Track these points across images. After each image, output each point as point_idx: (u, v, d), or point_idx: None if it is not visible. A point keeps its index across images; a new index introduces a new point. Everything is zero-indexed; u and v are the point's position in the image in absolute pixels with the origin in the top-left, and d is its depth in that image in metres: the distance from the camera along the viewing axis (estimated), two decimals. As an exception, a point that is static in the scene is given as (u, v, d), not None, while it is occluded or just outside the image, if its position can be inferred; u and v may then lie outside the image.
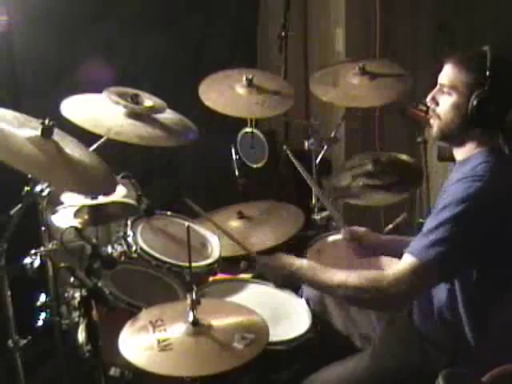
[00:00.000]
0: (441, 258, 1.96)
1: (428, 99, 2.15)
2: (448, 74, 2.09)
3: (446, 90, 2.09)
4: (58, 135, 2.07)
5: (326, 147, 3.16)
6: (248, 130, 3.19)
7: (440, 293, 2.14)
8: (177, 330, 1.96)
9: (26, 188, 2.18)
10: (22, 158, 1.92)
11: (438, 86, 2.13)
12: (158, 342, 1.93)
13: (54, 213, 2.43)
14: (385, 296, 2.00)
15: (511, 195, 2.02)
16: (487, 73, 2.01)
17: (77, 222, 2.39)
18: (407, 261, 2.00)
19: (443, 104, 2.10)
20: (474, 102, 2.02)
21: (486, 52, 2.05)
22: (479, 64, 2.03)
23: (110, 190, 2.16)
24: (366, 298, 2.04)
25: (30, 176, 2.07)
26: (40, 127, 2.02)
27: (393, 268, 2.03)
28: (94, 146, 2.33)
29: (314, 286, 2.21)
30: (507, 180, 2.03)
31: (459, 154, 2.14)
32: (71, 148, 2.10)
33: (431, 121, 2.15)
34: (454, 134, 2.11)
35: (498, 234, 1.98)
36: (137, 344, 1.95)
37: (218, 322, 2.00)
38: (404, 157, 3.24)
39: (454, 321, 2.07)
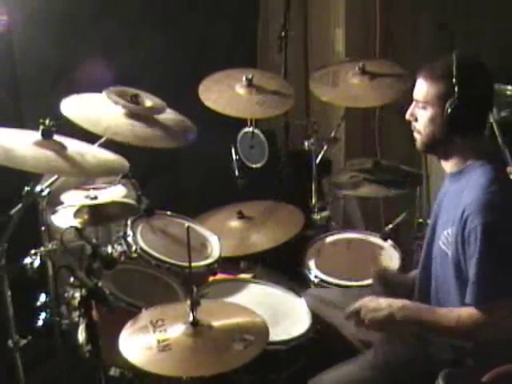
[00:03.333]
0: (496, 291, 1.97)
1: (407, 116, 2.17)
2: (420, 89, 2.12)
3: (420, 105, 2.12)
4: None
5: (325, 147, 3.16)
6: (248, 130, 3.19)
7: (443, 294, 2.15)
8: (177, 331, 1.96)
9: (26, 188, 2.18)
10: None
11: (413, 102, 2.16)
12: (158, 342, 1.93)
13: (53, 213, 2.42)
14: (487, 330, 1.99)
15: None
16: (454, 81, 2.01)
17: (77, 222, 2.39)
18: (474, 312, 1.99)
19: (421, 119, 2.13)
20: (448, 112, 2.03)
21: (452, 60, 2.04)
22: (446, 74, 2.04)
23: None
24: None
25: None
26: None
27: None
28: (95, 145, 2.32)
29: (422, 328, 2.09)
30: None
31: (448, 165, 2.16)
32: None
33: (414, 135, 2.18)
34: (438, 146, 2.13)
35: None
36: (137, 344, 1.95)
37: (218, 322, 2.00)
38: (405, 167, 3.26)
39: None
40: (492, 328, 1.98)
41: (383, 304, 2.09)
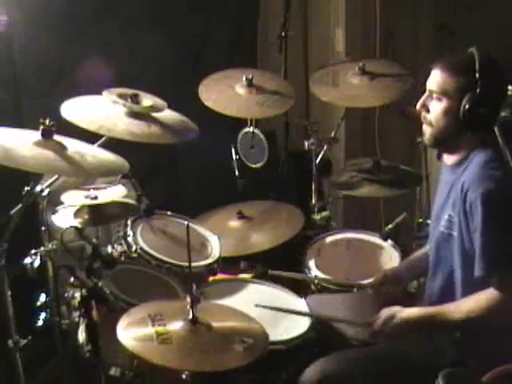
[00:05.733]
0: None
1: (418, 106, 2.13)
2: (437, 79, 2.07)
3: (435, 95, 2.08)
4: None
5: (325, 147, 3.15)
6: (248, 130, 3.18)
7: (449, 287, 2.15)
8: (176, 327, 1.95)
9: (26, 188, 2.18)
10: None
11: (427, 93, 2.11)
12: (157, 334, 1.91)
13: (53, 213, 2.42)
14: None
15: None
16: (477, 75, 2.00)
17: (77, 222, 2.39)
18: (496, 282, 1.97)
19: (434, 110, 2.09)
20: (467, 106, 2.01)
21: (474, 54, 2.04)
22: (468, 67, 2.02)
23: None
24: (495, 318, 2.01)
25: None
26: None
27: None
28: (95, 145, 2.33)
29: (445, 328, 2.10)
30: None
31: (450, 159, 2.15)
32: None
33: (423, 127, 2.14)
34: (448, 140, 2.11)
35: None
36: (136, 335, 1.92)
37: (218, 324, 2.00)
38: (404, 166, 3.26)
39: None
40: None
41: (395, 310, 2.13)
